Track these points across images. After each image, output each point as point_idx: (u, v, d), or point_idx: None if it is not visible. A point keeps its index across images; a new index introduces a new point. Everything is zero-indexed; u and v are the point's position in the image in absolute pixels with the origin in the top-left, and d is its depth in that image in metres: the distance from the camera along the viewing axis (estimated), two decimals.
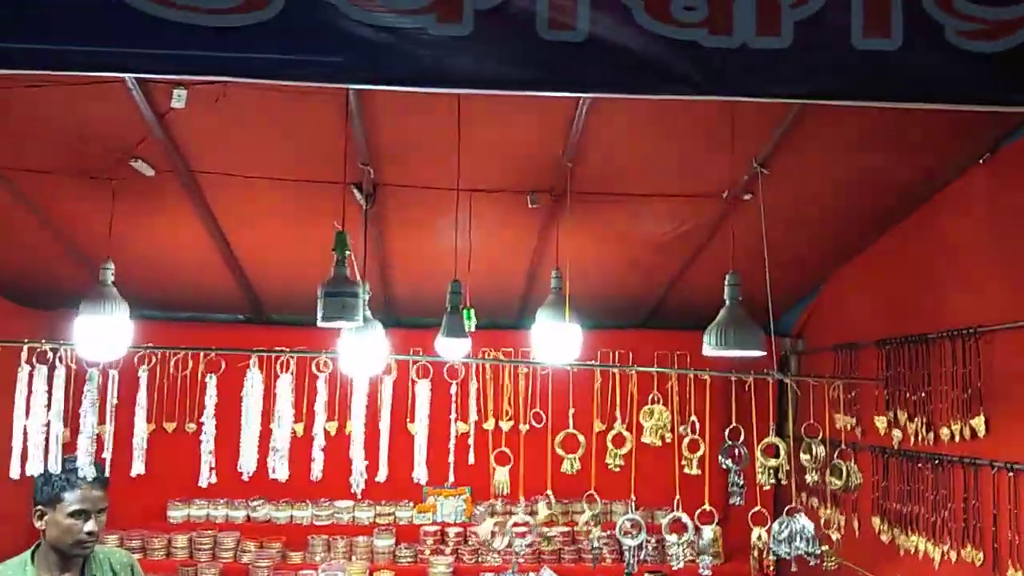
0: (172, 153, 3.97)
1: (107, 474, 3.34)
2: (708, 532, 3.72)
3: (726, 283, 3.24)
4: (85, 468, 3.55)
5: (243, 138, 3.93)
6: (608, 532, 5.18)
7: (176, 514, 5.66)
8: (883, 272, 4.83)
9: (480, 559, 5.42)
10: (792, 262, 5.37)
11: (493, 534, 3.98)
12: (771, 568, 3.90)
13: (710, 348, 3.15)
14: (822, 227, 4.81)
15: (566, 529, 5.30)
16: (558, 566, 5.41)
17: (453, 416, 4.05)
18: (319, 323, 3.13)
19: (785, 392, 5.85)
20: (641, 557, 5.12)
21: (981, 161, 3.83)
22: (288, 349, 3.91)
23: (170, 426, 5.73)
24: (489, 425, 5.51)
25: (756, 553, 3.82)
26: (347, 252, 3.20)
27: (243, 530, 5.60)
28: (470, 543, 5.51)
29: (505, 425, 5.64)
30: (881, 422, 4.58)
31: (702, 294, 5.91)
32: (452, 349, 3.62)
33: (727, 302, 3.20)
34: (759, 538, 3.81)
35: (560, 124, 3.72)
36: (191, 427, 5.67)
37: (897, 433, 4.43)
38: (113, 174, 4.13)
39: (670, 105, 3.67)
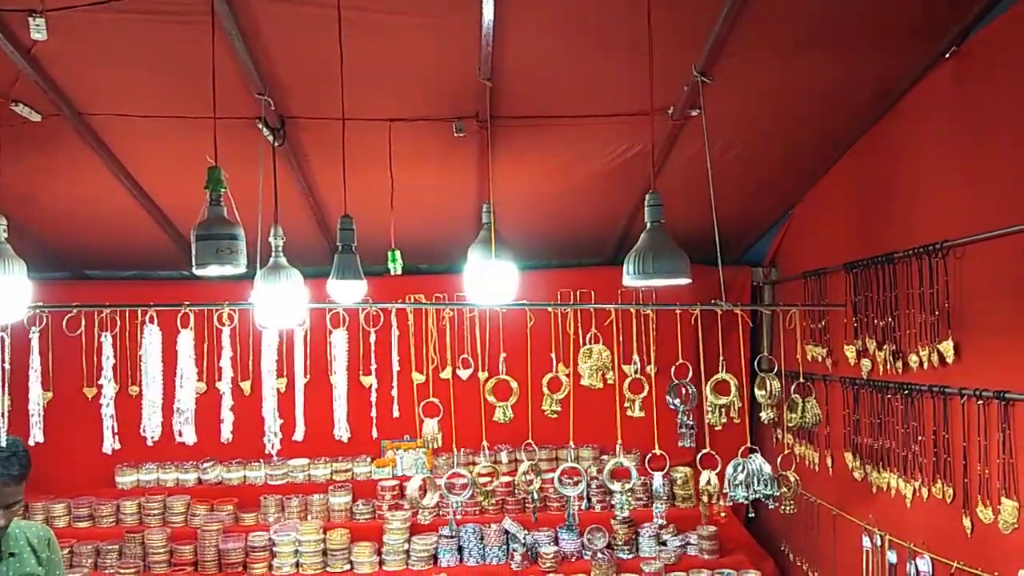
0: (52, 94, 3.61)
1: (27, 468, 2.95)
2: (677, 475, 3.43)
3: (646, 204, 2.87)
4: None
5: (126, 74, 3.56)
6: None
7: (124, 480, 5.44)
8: (850, 189, 4.45)
9: (441, 512, 5.18)
10: (757, 184, 4.97)
11: (422, 491, 3.70)
12: (720, 514, 3.61)
13: (630, 277, 2.81)
14: (783, 143, 4.40)
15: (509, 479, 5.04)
16: (522, 516, 5.17)
17: (374, 366, 3.75)
18: (195, 270, 2.82)
19: (761, 325, 5.54)
20: (590, 505, 4.89)
21: (947, 56, 3.41)
22: (188, 303, 3.59)
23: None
24: (447, 375, 5.24)
25: (705, 499, 3.53)
26: (222, 190, 2.86)
27: (195, 493, 5.39)
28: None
29: (464, 374, 5.37)
30: (850, 351, 4.25)
31: (670, 223, 5.57)
32: (345, 293, 3.29)
33: (647, 225, 2.84)
34: (708, 483, 3.52)
35: (470, 37, 3.33)
36: (134, 390, 5.45)
37: (866, 363, 4.10)
38: None
39: (587, 11, 3.28)
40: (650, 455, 3.54)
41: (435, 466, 5.55)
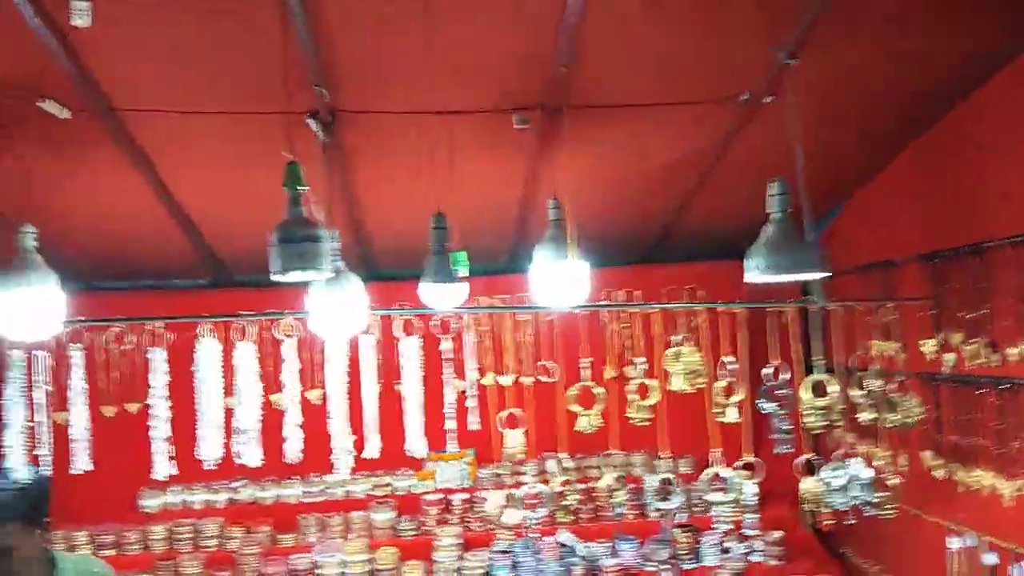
0: (85, 87, 3.30)
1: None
2: (749, 486, 3.23)
3: (771, 193, 2.66)
4: (19, 469, 3.04)
5: (164, 65, 3.26)
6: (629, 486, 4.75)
7: (150, 503, 5.12)
8: (924, 178, 4.26)
9: (489, 527, 4.93)
10: (813, 175, 4.79)
11: (503, 509, 3.45)
12: (823, 522, 3.41)
13: (757, 273, 2.59)
14: (852, 131, 4.21)
15: (582, 487, 4.80)
16: (576, 527, 4.93)
17: (451, 375, 3.49)
18: (273, 276, 2.55)
19: (809, 323, 5.36)
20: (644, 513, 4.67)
21: None
22: (247, 313, 3.31)
23: (133, 407, 5.20)
24: (488, 381, 4.98)
25: (806, 506, 3.32)
26: (302, 188, 2.60)
27: (226, 515, 5.08)
28: (477, 510, 5.01)
29: (506, 380, 5.12)
30: (928, 346, 4.07)
31: (711, 222, 5.35)
32: (441, 296, 3.03)
33: (774, 215, 2.62)
34: (809, 489, 3.31)
35: (550, 19, 3.08)
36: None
37: (949, 357, 3.92)
38: (22, 120, 3.47)
39: None
40: (743, 462, 3.33)
41: (478, 478, 5.30)
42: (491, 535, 4.87)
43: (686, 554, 4.73)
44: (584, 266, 3.48)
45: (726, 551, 4.79)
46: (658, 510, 3.45)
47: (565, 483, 3.44)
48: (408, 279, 5.36)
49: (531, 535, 3.89)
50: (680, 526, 4.80)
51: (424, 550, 4.83)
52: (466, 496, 5.12)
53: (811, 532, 4.95)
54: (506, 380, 5.02)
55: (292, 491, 5.14)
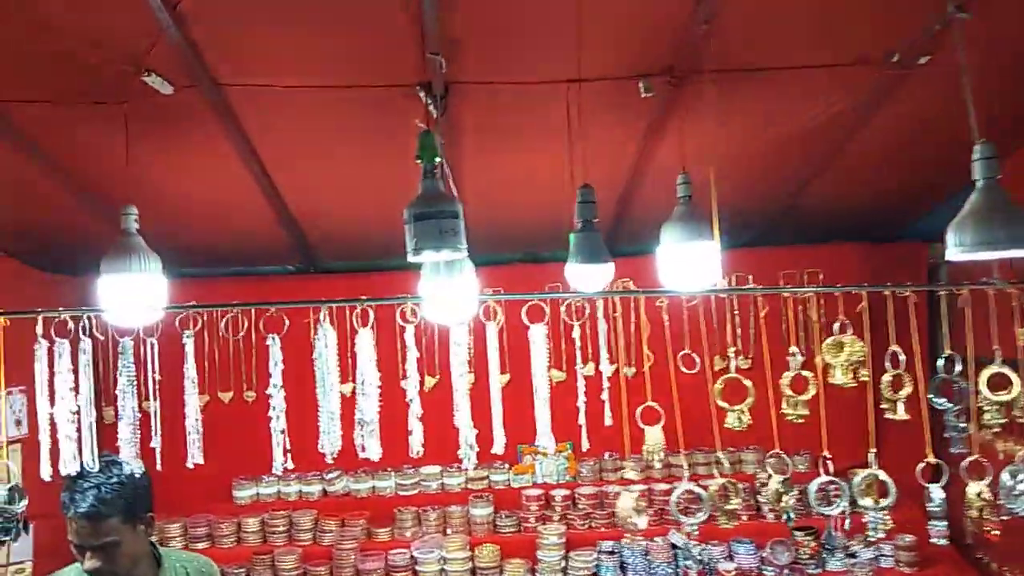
0: (193, 61, 3.12)
1: (104, 501, 2.47)
2: (937, 492, 2.91)
3: (977, 157, 2.32)
4: (132, 462, 2.90)
5: (274, 30, 3.04)
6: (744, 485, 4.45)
7: (243, 494, 5.00)
8: None
9: (591, 524, 4.68)
10: (949, 145, 4.37)
11: (637, 511, 3.18)
12: (993, 532, 3.05)
13: (962, 249, 2.26)
14: (1001, 95, 3.78)
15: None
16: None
17: (580, 366, 3.24)
18: (410, 257, 2.31)
19: (938, 310, 4.95)
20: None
21: None
22: (365, 298, 3.09)
23: (226, 396, 5.09)
24: (588, 371, 4.68)
25: (975, 514, 2.98)
26: (437, 159, 2.35)
27: (320, 507, 4.93)
28: (580, 507, 4.75)
29: (587, 370, 4.81)
30: None
31: (833, 201, 4.97)
32: (591, 278, 2.76)
33: (981, 183, 2.28)
34: (979, 495, 2.96)
35: None
36: (250, 396, 5.02)
37: None
38: (123, 95, 3.31)
39: None
40: (923, 464, 3.01)
41: (578, 472, 5.04)
42: (594, 532, 4.62)
43: (809, 559, 4.41)
44: (717, 247, 3.18)
45: (852, 555, 4.45)
46: (823, 515, 3.15)
47: (723, 492, 3.09)
48: (500, 264, 5.18)
49: (691, 542, 3.60)
50: (799, 528, 4.48)
51: (525, 547, 4.60)
52: (566, 492, 4.87)
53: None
54: (612, 370, 4.75)
55: (386, 483, 4.96)
